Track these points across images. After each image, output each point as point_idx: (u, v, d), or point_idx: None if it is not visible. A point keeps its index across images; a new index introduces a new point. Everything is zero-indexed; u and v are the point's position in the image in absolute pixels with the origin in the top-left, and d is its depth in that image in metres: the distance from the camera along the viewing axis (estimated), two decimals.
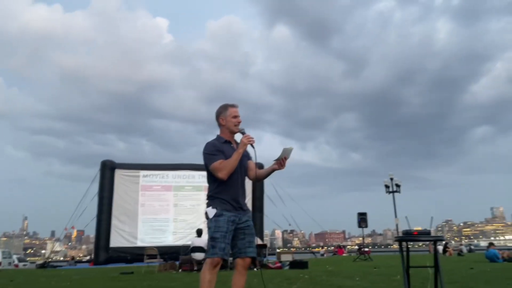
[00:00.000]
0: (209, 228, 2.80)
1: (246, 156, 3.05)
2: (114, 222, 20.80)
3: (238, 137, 3.02)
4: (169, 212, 21.90)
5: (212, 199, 2.93)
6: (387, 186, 20.71)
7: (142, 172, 22.26)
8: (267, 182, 23.17)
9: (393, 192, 20.51)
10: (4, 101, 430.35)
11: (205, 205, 2.95)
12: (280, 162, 2.86)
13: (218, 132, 3.10)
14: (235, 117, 3.04)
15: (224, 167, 2.85)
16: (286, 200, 24.65)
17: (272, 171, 2.92)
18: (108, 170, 21.44)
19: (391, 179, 20.76)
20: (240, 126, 3.03)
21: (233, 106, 3.08)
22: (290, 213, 24.86)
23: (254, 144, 2.93)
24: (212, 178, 2.95)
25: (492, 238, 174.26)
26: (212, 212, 2.85)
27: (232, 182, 2.92)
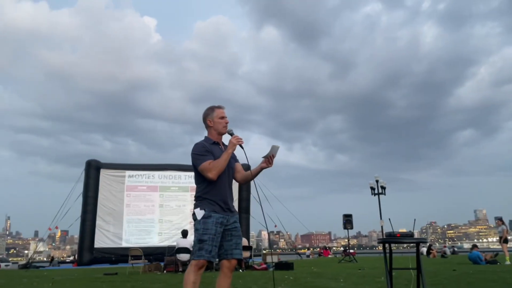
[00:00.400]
0: (196, 229, 2.76)
1: (233, 158, 3.03)
2: (99, 222, 20.59)
3: (225, 138, 3.02)
4: (155, 212, 21.76)
5: (200, 200, 2.89)
6: (372, 188, 20.89)
7: (128, 172, 22.08)
8: (253, 183, 23.17)
9: (378, 194, 20.70)
10: None
11: (191, 206, 3.00)
12: (269, 160, 2.86)
13: (205, 133, 3.08)
14: (222, 118, 3.03)
15: (213, 167, 2.81)
16: (273, 201, 24.71)
17: (260, 169, 2.91)
18: (93, 170, 21.21)
19: (377, 181, 20.94)
20: (228, 127, 3.02)
21: (219, 107, 3.07)
22: (276, 214, 24.91)
23: (243, 145, 2.92)
24: (200, 179, 2.91)
25: (476, 240, 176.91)
26: (200, 213, 2.81)
27: (221, 183, 2.89)
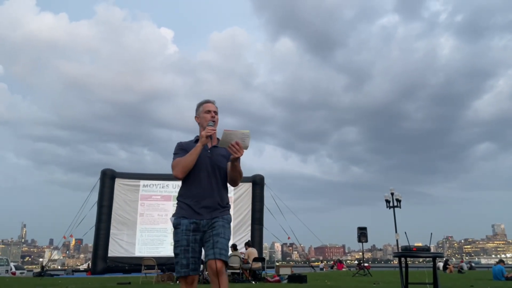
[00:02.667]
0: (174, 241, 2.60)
1: (224, 157, 2.75)
2: (113, 231, 20.72)
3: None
4: (168, 222, 21.78)
5: (177, 205, 2.71)
6: (387, 201, 20.60)
7: (142, 182, 22.23)
8: (267, 194, 23.11)
9: (393, 207, 20.40)
10: (8, 108, 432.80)
11: None
12: (232, 148, 2.51)
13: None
14: (208, 112, 2.80)
15: (177, 164, 2.63)
16: (286, 213, 24.52)
17: (232, 163, 2.60)
18: (108, 179, 21.42)
19: (392, 193, 20.67)
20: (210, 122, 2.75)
21: (207, 101, 2.88)
22: (290, 226, 24.72)
23: (211, 136, 2.64)
24: (182, 181, 2.72)
25: (493, 256, 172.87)
26: (171, 221, 2.64)
27: (197, 182, 2.65)
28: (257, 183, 22.75)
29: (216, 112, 2.83)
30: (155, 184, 22.32)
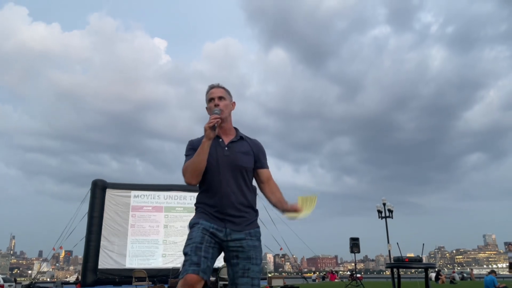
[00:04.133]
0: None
1: (244, 154, 2.29)
2: (103, 243, 20.46)
3: (244, 127, 2.46)
4: (159, 233, 21.60)
5: (195, 209, 2.33)
6: (379, 211, 20.66)
7: (133, 192, 22.04)
8: (259, 204, 22.97)
9: (385, 217, 20.45)
10: None
11: None
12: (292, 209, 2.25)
13: None
14: (211, 100, 2.32)
15: (186, 168, 2.18)
16: (278, 223, 24.44)
17: (286, 212, 2.30)
18: (99, 189, 21.21)
19: (384, 204, 20.73)
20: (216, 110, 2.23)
21: (210, 87, 2.39)
22: (282, 236, 24.63)
23: (217, 124, 2.14)
24: (200, 186, 2.30)
25: (485, 266, 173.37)
26: (189, 226, 2.26)
27: (213, 187, 2.21)
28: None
29: (221, 98, 2.31)
30: (146, 195, 22.14)
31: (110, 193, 21.50)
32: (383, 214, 20.52)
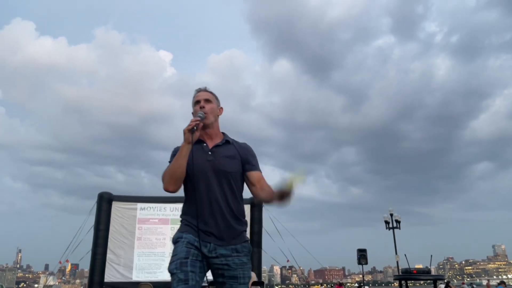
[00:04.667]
0: None
1: (229, 158, 2.10)
2: (110, 256, 20.42)
3: (235, 132, 2.33)
4: (166, 246, 21.54)
5: (181, 221, 2.13)
6: (387, 222, 20.49)
7: (139, 205, 22.04)
8: (265, 216, 22.92)
9: (393, 228, 20.28)
10: (5, 131, 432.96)
11: None
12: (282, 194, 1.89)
13: None
14: (196, 103, 2.19)
15: (163, 175, 2.04)
16: (285, 235, 24.32)
17: (278, 202, 1.95)
18: (105, 202, 21.25)
19: (391, 214, 20.57)
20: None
21: (197, 90, 2.25)
22: (289, 248, 24.48)
23: (197, 126, 1.99)
24: (184, 196, 2.14)
25: (495, 277, 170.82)
26: (172, 240, 2.08)
27: (196, 195, 2.03)
28: (256, 205, 22.56)
29: (207, 100, 2.18)
30: (152, 207, 22.14)
31: (116, 206, 21.53)
32: (390, 225, 20.35)
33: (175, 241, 2.02)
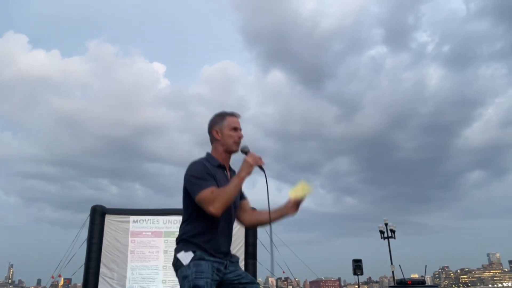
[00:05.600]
0: (185, 276, 1.95)
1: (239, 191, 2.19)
2: (103, 270, 20.15)
3: (236, 162, 2.25)
4: (159, 259, 21.33)
5: (184, 244, 2.08)
6: (381, 232, 20.49)
7: (132, 218, 21.83)
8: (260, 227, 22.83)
9: (388, 238, 20.27)
10: None
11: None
12: (295, 205, 2.14)
13: (209, 149, 2.21)
14: (235, 129, 2.14)
15: (218, 198, 1.94)
16: (280, 246, 24.19)
17: (282, 215, 2.16)
18: (98, 215, 21.03)
19: (386, 224, 20.57)
20: (243, 144, 2.14)
21: (233, 115, 2.19)
22: (284, 260, 24.33)
23: (264, 166, 2.05)
24: (190, 213, 2.09)
25: (490, 286, 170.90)
26: (188, 256, 2.02)
27: (217, 225, 2.05)
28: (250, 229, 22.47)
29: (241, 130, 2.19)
30: (146, 220, 21.95)
31: (109, 219, 21.32)
32: (385, 235, 20.34)
33: (200, 257, 2.02)
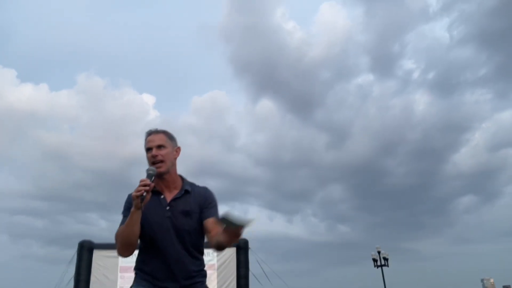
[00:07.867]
0: None
1: (186, 215, 1.89)
2: None
3: (199, 176, 2.13)
4: None
5: (135, 274, 1.97)
6: (374, 260, 20.22)
7: None
8: (252, 258, 22.42)
9: (381, 266, 20.00)
10: None
11: None
12: (234, 231, 1.63)
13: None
14: (148, 150, 1.94)
15: (116, 239, 1.84)
16: (273, 278, 23.73)
17: (229, 241, 1.71)
18: (85, 251, 20.45)
19: (379, 252, 20.34)
20: (150, 168, 1.85)
21: (148, 133, 1.99)
22: None
23: (145, 194, 1.74)
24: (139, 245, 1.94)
25: None
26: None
27: (155, 251, 1.88)
28: (241, 247, 22.06)
29: (160, 146, 1.94)
30: (135, 254, 21.47)
31: (97, 254, 20.78)
32: (378, 263, 20.08)
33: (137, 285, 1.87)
